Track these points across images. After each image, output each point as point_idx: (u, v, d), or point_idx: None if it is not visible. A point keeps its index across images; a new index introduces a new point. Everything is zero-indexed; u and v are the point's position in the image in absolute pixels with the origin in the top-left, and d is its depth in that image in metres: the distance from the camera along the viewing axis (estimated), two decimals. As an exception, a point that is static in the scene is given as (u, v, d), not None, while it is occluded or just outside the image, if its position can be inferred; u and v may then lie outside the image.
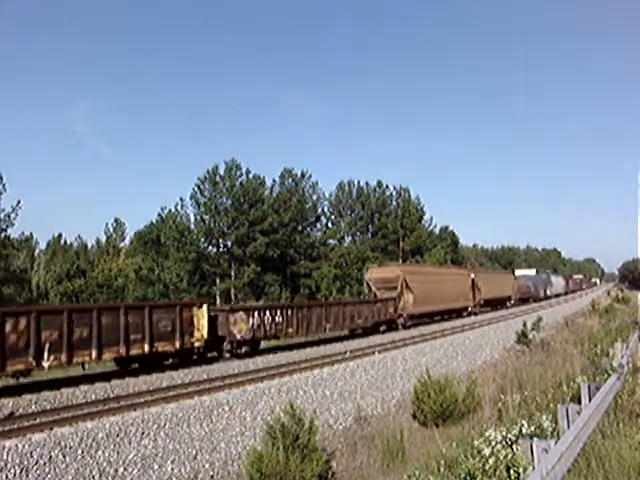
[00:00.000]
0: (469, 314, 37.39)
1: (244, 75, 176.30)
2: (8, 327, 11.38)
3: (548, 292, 67.19)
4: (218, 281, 41.54)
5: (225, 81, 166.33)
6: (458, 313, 36.37)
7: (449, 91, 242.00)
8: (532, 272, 67.19)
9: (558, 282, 78.07)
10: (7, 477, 7.16)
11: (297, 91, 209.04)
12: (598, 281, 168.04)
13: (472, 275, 39.02)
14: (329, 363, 15.86)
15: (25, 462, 7.44)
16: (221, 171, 41.30)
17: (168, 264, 39.18)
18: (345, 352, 18.17)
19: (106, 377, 14.06)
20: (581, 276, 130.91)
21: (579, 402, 7.28)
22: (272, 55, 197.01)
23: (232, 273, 41.09)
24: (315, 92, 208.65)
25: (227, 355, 17.42)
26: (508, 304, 48.70)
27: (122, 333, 13.51)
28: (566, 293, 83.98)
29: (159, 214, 42.34)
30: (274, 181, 46.40)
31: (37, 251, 48.55)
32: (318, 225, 49.55)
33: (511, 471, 4.64)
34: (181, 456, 8.31)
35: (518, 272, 63.65)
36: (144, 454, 8.21)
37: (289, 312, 19.76)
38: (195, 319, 15.71)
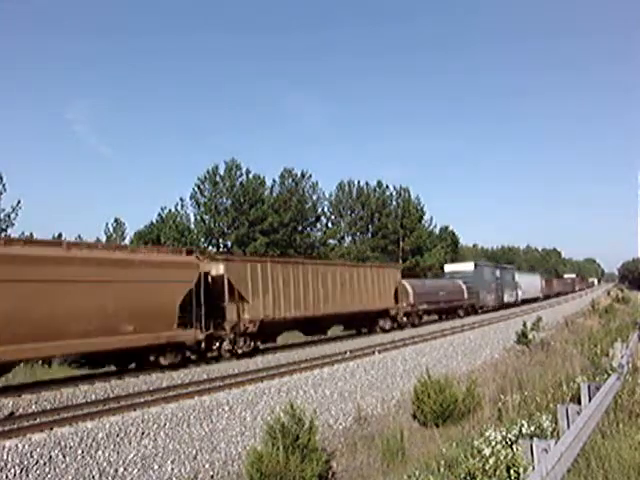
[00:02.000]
0: (190, 360, 16.39)
1: (244, 75, 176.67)
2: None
3: (507, 297, 47.98)
4: (218, 281, 41.51)
5: (225, 81, 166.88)
6: (137, 363, 15.30)
7: (449, 91, 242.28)
8: (468, 267, 41.84)
9: (530, 283, 59.91)
10: (7, 477, 7.16)
11: (297, 91, 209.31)
12: (596, 281, 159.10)
13: (219, 269, 17.75)
14: (329, 363, 15.86)
15: (25, 462, 7.44)
16: (221, 171, 41.30)
17: (168, 264, 39.15)
18: (345, 352, 18.17)
19: (106, 377, 14.07)
20: (573, 275, 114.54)
21: (579, 402, 7.27)
22: (272, 55, 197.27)
23: (232, 273, 41.08)
24: (315, 92, 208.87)
25: None
26: (385, 325, 27.09)
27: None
28: (547, 297, 68.23)
29: (159, 214, 42.24)
30: (274, 181, 46.36)
31: (37, 251, 48.41)
32: (318, 225, 49.44)
33: (511, 471, 4.64)
34: (181, 456, 8.31)
35: (447, 267, 43.70)
36: (144, 454, 8.20)
37: None
38: None
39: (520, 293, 53.24)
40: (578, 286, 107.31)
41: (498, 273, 46.71)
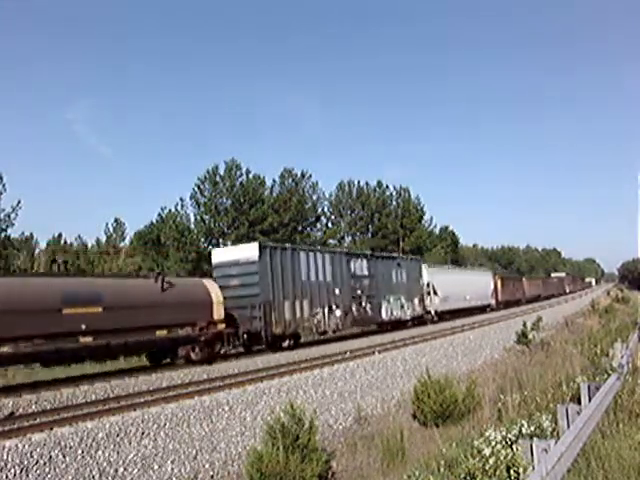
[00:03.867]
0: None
1: (244, 76, 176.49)
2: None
3: (394, 311, 27.69)
4: (218, 281, 41.55)
5: (225, 82, 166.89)
6: None
7: (449, 91, 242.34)
8: (246, 253, 20.18)
9: (465, 284, 38.38)
10: (7, 477, 7.16)
11: (297, 94, 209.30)
12: (594, 281, 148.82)
13: None
14: (329, 363, 15.85)
15: (25, 462, 7.44)
16: (221, 171, 41.35)
17: (168, 264, 39.15)
18: (345, 352, 18.18)
19: (106, 377, 14.08)
20: (562, 274, 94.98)
21: (579, 402, 7.27)
22: (272, 57, 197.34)
23: (232, 273, 41.10)
24: (315, 95, 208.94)
25: None
26: None
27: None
28: (512, 303, 50.64)
29: (159, 214, 42.26)
30: (274, 181, 46.40)
31: (37, 251, 48.49)
32: (318, 225, 49.52)
33: (511, 471, 4.64)
34: (181, 456, 8.31)
35: (217, 255, 22.19)
36: (144, 454, 8.20)
37: None
38: None
39: (436, 302, 32.86)
40: (569, 287, 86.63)
41: (356, 266, 24.72)
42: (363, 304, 24.83)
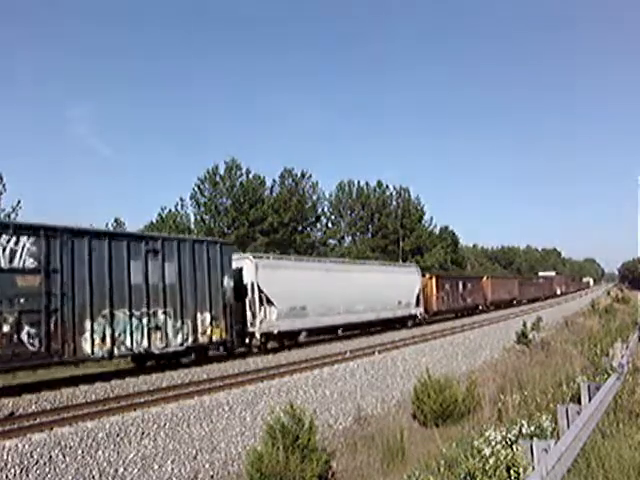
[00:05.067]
0: None
1: (245, 78, 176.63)
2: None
3: (103, 341, 13.00)
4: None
5: (226, 85, 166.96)
6: None
7: (450, 91, 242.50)
8: None
9: (358, 286, 24.18)
10: (7, 477, 7.16)
11: (297, 94, 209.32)
12: (591, 281, 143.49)
13: None
14: (329, 363, 15.86)
15: (25, 462, 7.44)
16: (221, 171, 41.27)
17: (168, 264, 39.15)
18: (345, 352, 18.18)
19: (106, 377, 14.07)
20: (552, 273, 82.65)
21: (579, 402, 7.28)
22: (272, 58, 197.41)
23: (232, 273, 41.05)
24: (315, 95, 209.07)
25: None
26: None
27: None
28: (461, 312, 38.32)
29: (159, 214, 42.19)
30: (274, 181, 46.30)
31: (37, 251, 48.37)
32: (318, 225, 49.48)
33: (511, 471, 4.64)
34: (181, 456, 8.31)
35: None
36: (144, 454, 8.20)
37: None
38: None
39: (273, 317, 19.33)
40: (561, 288, 75.25)
41: None
42: (7, 329, 11.73)
